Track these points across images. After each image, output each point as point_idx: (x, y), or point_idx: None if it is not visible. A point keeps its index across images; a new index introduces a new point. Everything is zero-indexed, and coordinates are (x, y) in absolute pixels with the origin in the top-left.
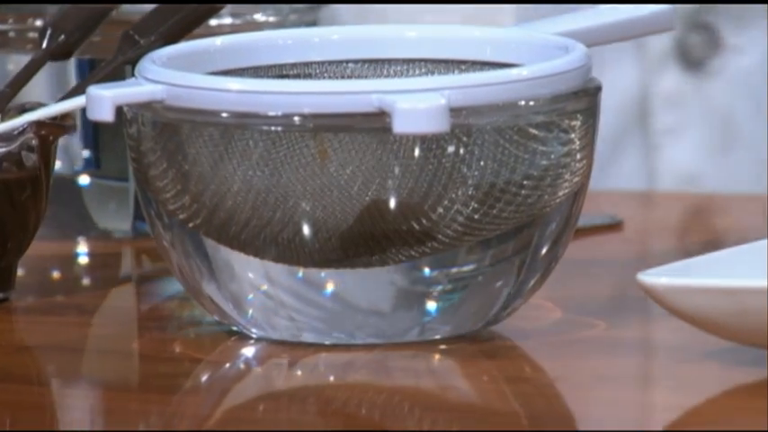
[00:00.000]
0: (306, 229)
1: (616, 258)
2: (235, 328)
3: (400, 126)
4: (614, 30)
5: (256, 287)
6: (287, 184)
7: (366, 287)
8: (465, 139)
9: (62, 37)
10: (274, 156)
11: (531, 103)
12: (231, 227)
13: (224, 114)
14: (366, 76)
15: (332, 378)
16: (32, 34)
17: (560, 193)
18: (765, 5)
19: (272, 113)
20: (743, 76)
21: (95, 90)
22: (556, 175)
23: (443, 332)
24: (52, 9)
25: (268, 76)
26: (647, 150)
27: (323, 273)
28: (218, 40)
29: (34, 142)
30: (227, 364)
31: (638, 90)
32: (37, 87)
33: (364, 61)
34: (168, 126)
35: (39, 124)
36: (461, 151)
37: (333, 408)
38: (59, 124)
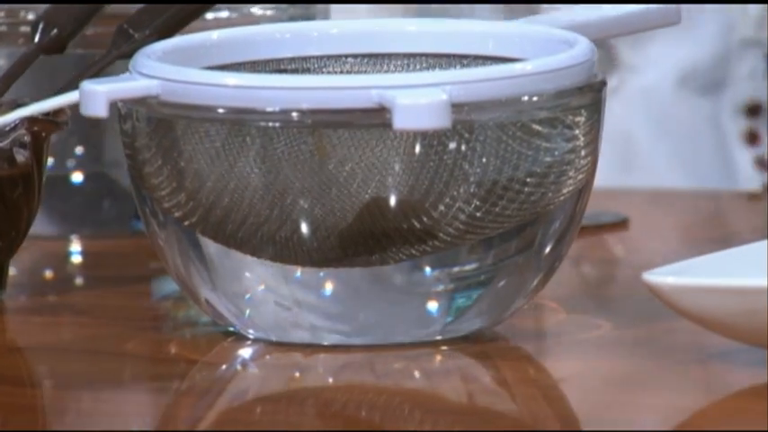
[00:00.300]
0: (304, 228)
1: (621, 257)
2: (231, 329)
3: (401, 122)
4: (620, 23)
5: (253, 287)
6: (285, 181)
7: (366, 287)
8: (467, 135)
9: (55, 31)
10: (272, 152)
11: (535, 98)
12: (228, 225)
13: (220, 110)
14: (366, 71)
15: (331, 379)
16: (24, 28)
17: (564, 191)
18: None
19: (269, 109)
20: (641, 95)
21: (89, 85)
22: (560, 172)
23: (445, 333)
24: (44, 3)
25: (265, 71)
26: None
27: (321, 272)
28: (214, 34)
29: (26, 138)
30: (224, 366)
31: None
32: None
33: (364, 56)
34: (163, 122)
35: (31, 120)
36: (463, 148)
37: (332, 410)
38: (52, 120)
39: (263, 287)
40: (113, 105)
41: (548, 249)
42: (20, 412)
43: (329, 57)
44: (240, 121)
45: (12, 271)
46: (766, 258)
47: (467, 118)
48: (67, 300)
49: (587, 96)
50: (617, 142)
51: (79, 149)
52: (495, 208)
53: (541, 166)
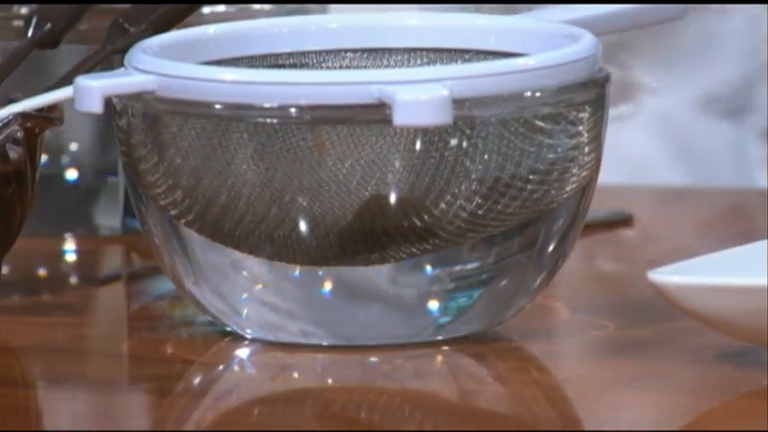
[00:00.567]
0: (303, 226)
1: (626, 256)
2: (228, 329)
3: (401, 118)
4: (625, 18)
5: (251, 286)
6: (283, 178)
7: (365, 286)
8: (468, 131)
9: (48, 25)
10: (270, 149)
11: (538, 94)
12: (225, 223)
13: (217, 106)
14: (365, 66)
15: (330, 380)
16: (17, 22)
17: (568, 188)
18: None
19: (267, 105)
20: (660, 119)
21: (84, 80)
22: (563, 169)
23: (446, 333)
24: None
25: (263, 66)
26: None
27: (320, 271)
28: (211, 29)
29: (20, 135)
30: (221, 366)
31: None
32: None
33: (363, 50)
34: (159, 118)
35: (24, 116)
36: (465, 144)
37: (331, 411)
38: (46, 116)
39: (260, 286)
40: (108, 101)
41: (551, 248)
42: (13, 413)
43: (328, 51)
44: (237, 117)
45: (4, 270)
46: None
47: (468, 114)
48: (61, 299)
49: (591, 92)
50: (635, 167)
51: (73, 146)
52: (497, 206)
53: (544, 163)
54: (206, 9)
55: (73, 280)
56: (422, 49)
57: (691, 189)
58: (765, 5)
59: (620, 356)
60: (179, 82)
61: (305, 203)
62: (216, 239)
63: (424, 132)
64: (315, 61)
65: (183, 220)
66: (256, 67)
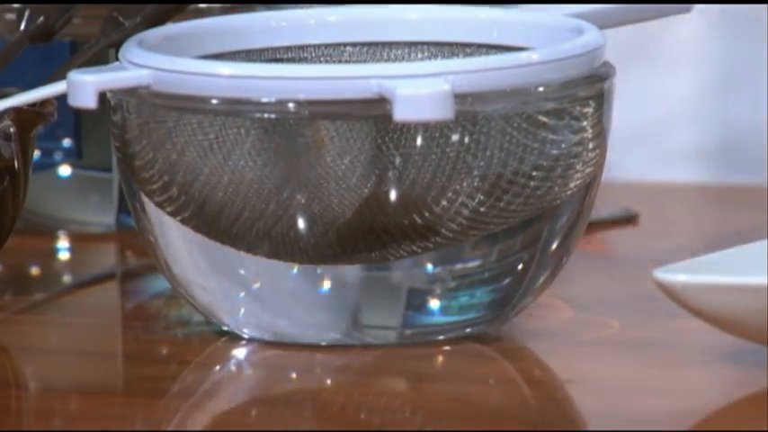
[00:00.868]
0: (301, 223)
1: (631, 254)
2: (225, 329)
3: (401, 113)
4: (630, 11)
5: (248, 285)
6: (281, 175)
7: (365, 285)
8: (470, 127)
9: (41, 19)
10: (268, 145)
11: (541, 88)
12: (222, 220)
13: (214, 101)
14: (365, 61)
15: (329, 381)
16: (10, 15)
17: (571, 185)
18: None
19: (265, 100)
20: None
21: (77, 75)
22: (567, 166)
23: (447, 332)
24: None
25: (261, 60)
26: None
27: (319, 269)
28: (207, 22)
29: (12, 130)
30: (217, 367)
31: None
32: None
33: (363, 44)
34: (155, 113)
35: (17, 111)
36: (466, 140)
37: (330, 412)
38: (39, 111)
39: (257, 285)
40: (102, 96)
41: (554, 246)
42: (5, 415)
43: (327, 45)
44: (234, 112)
45: None
46: None
47: (470, 109)
48: (54, 298)
49: (595, 87)
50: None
51: (66, 142)
52: (500, 203)
53: (548, 159)
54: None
55: (66, 278)
56: (423, 43)
57: (697, 186)
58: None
59: (626, 356)
60: (175, 76)
61: (303, 200)
62: (212, 237)
63: (425, 128)
64: (313, 55)
65: (178, 218)
66: (254, 61)
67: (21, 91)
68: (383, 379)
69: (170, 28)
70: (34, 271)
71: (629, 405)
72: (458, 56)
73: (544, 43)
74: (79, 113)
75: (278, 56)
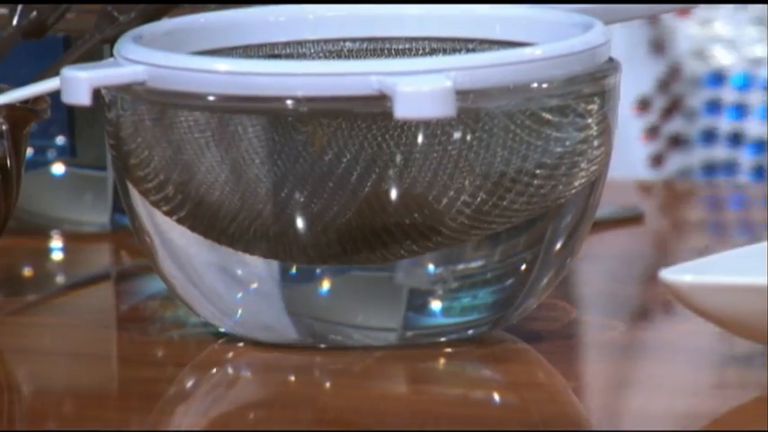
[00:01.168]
0: (300, 223)
1: (637, 254)
2: (222, 330)
3: (402, 110)
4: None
5: (246, 285)
6: (279, 173)
7: (365, 285)
8: (472, 124)
9: (34, 13)
10: (265, 142)
11: (545, 85)
12: (219, 220)
13: (210, 97)
14: (365, 56)
15: (328, 384)
16: (2, 11)
17: (576, 183)
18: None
19: (262, 96)
20: None
21: (71, 71)
22: (571, 164)
23: (449, 334)
24: None
25: (258, 56)
26: None
27: (318, 269)
28: (203, 17)
29: (4, 128)
30: (214, 369)
31: None
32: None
33: (363, 40)
34: (150, 110)
35: (9, 109)
36: (468, 138)
37: (329, 416)
38: (31, 109)
39: (255, 285)
40: (97, 93)
41: (558, 246)
42: None
43: (326, 41)
44: (232, 109)
45: None
46: None
47: (472, 106)
48: (48, 299)
49: (600, 83)
50: None
51: (60, 140)
52: (503, 202)
53: (552, 157)
54: None
55: (60, 279)
56: (424, 39)
57: (705, 184)
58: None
59: (631, 358)
60: (171, 72)
61: (302, 199)
62: (209, 237)
63: (427, 125)
64: (312, 51)
65: (174, 217)
66: (251, 57)
67: (13, 87)
68: (383, 382)
69: (166, 23)
70: (27, 271)
71: (634, 408)
72: (460, 52)
73: (548, 39)
74: (73, 110)
75: (276, 51)
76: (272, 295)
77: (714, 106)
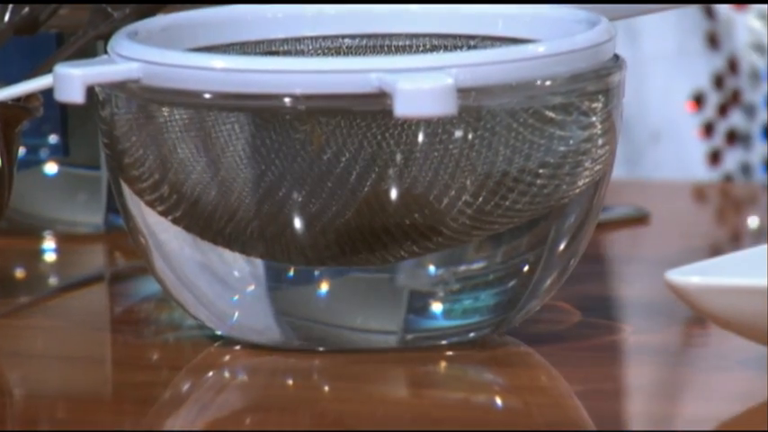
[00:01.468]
0: (297, 224)
1: (642, 255)
2: (218, 333)
3: (402, 109)
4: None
5: (242, 287)
6: (276, 172)
7: (365, 287)
8: (474, 122)
9: (26, 9)
10: (263, 141)
11: (548, 82)
12: (215, 220)
13: (207, 95)
14: (364, 53)
15: (326, 388)
16: None
17: (580, 183)
18: None
19: (259, 94)
20: None
21: (64, 68)
22: (575, 163)
23: (450, 337)
24: None
25: (255, 53)
26: None
27: (317, 271)
28: (200, 13)
29: None
30: (210, 373)
31: None
32: None
33: (362, 36)
34: (145, 108)
35: (1, 107)
36: (470, 136)
37: (328, 420)
38: (24, 107)
39: (252, 288)
40: (90, 90)
41: (562, 246)
42: None
43: (325, 37)
44: (228, 107)
45: None
46: None
47: (474, 104)
48: (40, 301)
49: (604, 81)
50: None
51: (53, 138)
52: (505, 202)
53: (555, 156)
54: None
55: (53, 281)
56: (424, 35)
57: (712, 184)
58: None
59: (636, 362)
60: (166, 70)
61: (300, 199)
62: (205, 237)
63: (428, 124)
64: (310, 48)
65: (170, 217)
66: (248, 54)
67: (5, 85)
68: (383, 386)
69: (161, 19)
70: (19, 273)
71: (640, 413)
72: (461, 48)
73: (551, 35)
74: (66, 109)
75: (273, 48)
76: (269, 297)
77: None
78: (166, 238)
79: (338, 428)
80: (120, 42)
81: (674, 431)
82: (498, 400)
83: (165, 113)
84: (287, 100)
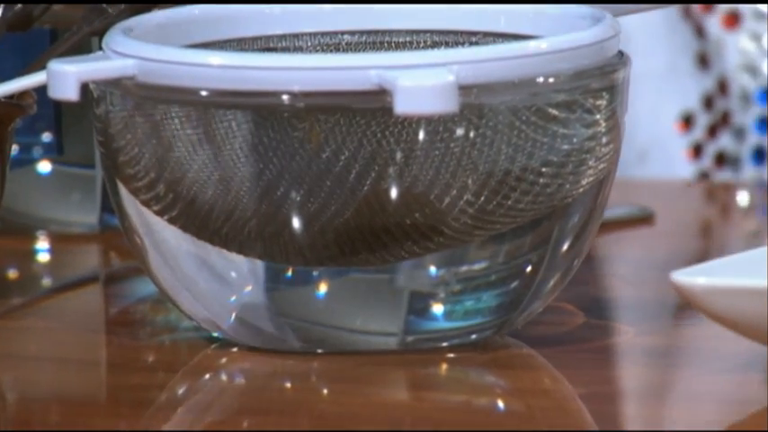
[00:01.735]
0: (296, 223)
1: (647, 255)
2: (215, 335)
3: (403, 106)
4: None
5: (240, 288)
6: (274, 171)
7: (364, 288)
8: (476, 120)
9: (19, 5)
10: (260, 139)
11: (551, 79)
12: (212, 220)
13: (203, 92)
14: (364, 50)
15: (326, 390)
16: None
17: (584, 182)
18: None
19: (257, 91)
20: None
21: (58, 65)
22: (579, 162)
23: (451, 339)
24: None
25: (253, 50)
26: None
27: (315, 272)
28: (196, 9)
29: None
30: (207, 375)
31: None
32: None
33: (362, 32)
34: (140, 106)
35: None
36: (472, 134)
37: (327, 424)
38: (17, 104)
39: (250, 288)
40: (85, 87)
41: (565, 247)
42: None
43: (323, 34)
44: (225, 104)
45: None
46: None
47: (476, 101)
48: (34, 303)
49: (609, 77)
50: None
51: (46, 136)
52: (507, 201)
53: (558, 155)
54: None
55: (46, 282)
56: (425, 31)
57: (718, 183)
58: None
59: (641, 365)
60: (162, 66)
61: (298, 198)
62: (202, 237)
63: (428, 121)
64: (309, 44)
65: (165, 217)
66: (246, 50)
67: None
68: (383, 388)
69: (157, 15)
70: (12, 274)
71: (645, 416)
72: (463, 45)
73: (554, 31)
74: (60, 106)
75: (271, 45)
76: (267, 298)
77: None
78: (162, 238)
79: (337, 431)
80: (116, 38)
81: None
82: (500, 403)
83: (161, 111)
84: (285, 97)
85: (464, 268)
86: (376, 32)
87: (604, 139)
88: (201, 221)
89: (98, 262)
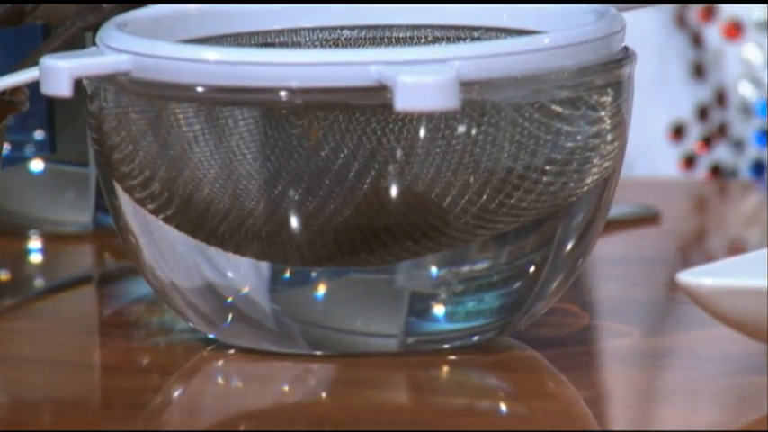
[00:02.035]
0: (294, 222)
1: (653, 255)
2: (211, 337)
3: (403, 103)
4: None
5: (237, 289)
6: (272, 169)
7: (364, 289)
8: (478, 117)
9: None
10: (258, 137)
11: (555, 75)
12: (208, 219)
13: (199, 89)
14: (364, 45)
15: (324, 393)
16: None
17: (588, 180)
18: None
19: (254, 88)
20: None
21: (51, 60)
22: (583, 159)
23: (453, 340)
24: None
25: (250, 45)
26: None
27: (314, 272)
28: (192, 4)
29: None
30: (203, 378)
31: None
32: None
33: (361, 28)
34: (135, 102)
35: None
36: (474, 132)
37: (326, 427)
38: (9, 101)
39: (247, 289)
40: (78, 83)
41: (569, 247)
42: None
43: (322, 29)
44: (222, 101)
45: None
46: None
47: (478, 98)
48: (26, 304)
49: (614, 73)
50: None
51: (39, 134)
52: (510, 200)
53: (562, 153)
54: None
55: (39, 282)
56: (426, 27)
57: (725, 183)
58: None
59: (647, 366)
60: (157, 62)
61: (297, 197)
62: (197, 237)
63: (429, 119)
64: (307, 39)
65: (161, 216)
66: (243, 45)
67: None
68: (383, 391)
69: (152, 9)
70: (4, 275)
71: (650, 419)
72: (464, 40)
73: (558, 26)
74: (53, 103)
75: (269, 40)
76: (264, 299)
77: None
78: (157, 237)
79: None
80: (110, 33)
81: None
82: (503, 406)
83: (156, 107)
84: (283, 94)
85: (466, 268)
86: (376, 28)
87: (609, 137)
88: (198, 220)
89: (92, 262)
